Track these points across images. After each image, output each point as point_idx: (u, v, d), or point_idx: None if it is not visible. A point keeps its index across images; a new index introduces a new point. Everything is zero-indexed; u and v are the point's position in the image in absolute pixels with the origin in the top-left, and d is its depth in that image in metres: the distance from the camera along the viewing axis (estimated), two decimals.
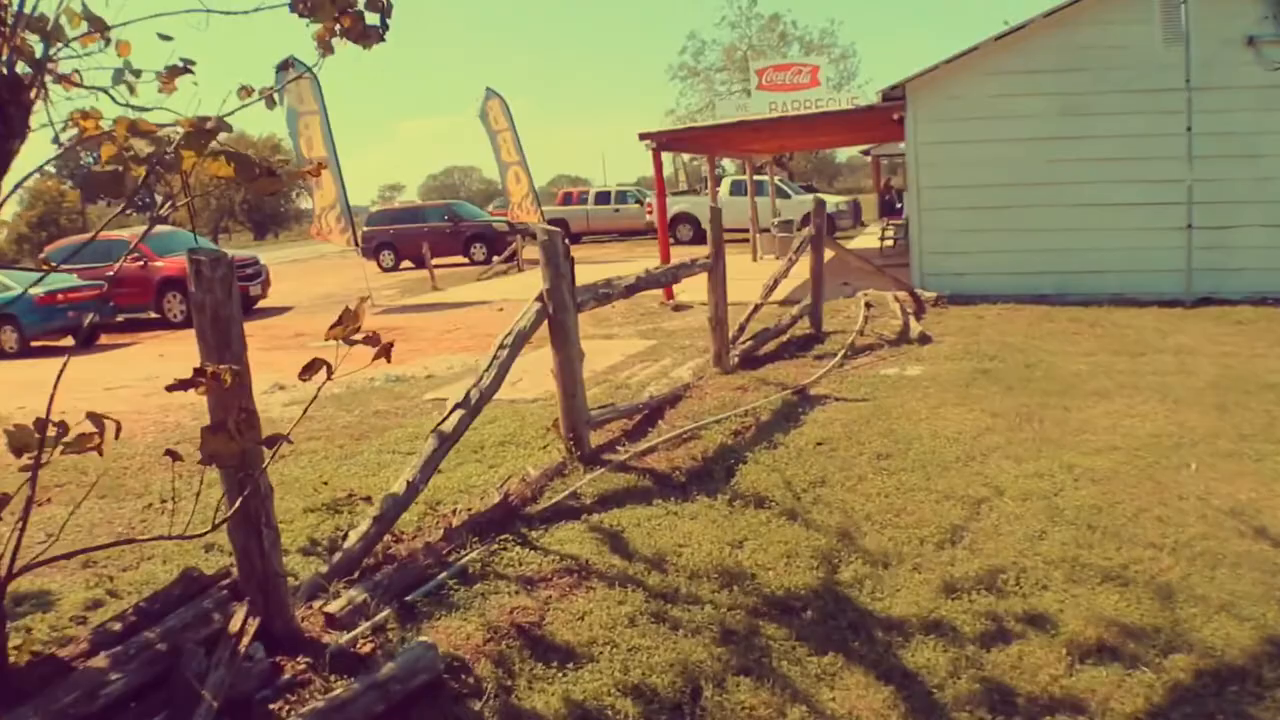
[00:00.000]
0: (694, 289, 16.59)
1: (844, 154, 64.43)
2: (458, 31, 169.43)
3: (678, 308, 14.45)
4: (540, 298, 6.18)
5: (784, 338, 10.72)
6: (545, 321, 6.17)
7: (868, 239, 27.31)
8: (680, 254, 27.49)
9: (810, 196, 32.94)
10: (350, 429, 8.21)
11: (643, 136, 14.86)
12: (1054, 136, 13.47)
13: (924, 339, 10.76)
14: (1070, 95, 13.37)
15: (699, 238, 30.13)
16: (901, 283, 13.18)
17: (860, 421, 7.46)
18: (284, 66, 18.15)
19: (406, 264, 28.47)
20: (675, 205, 31.56)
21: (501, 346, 5.73)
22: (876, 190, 40.74)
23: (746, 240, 23.41)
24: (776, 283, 10.72)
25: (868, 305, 12.76)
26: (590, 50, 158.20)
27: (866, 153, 41.93)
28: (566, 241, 6.09)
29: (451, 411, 5.17)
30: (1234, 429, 6.82)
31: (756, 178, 27.37)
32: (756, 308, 10.25)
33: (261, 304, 20.18)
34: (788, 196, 28.47)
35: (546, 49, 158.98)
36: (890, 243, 21.95)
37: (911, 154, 13.96)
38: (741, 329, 9.93)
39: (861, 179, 66.54)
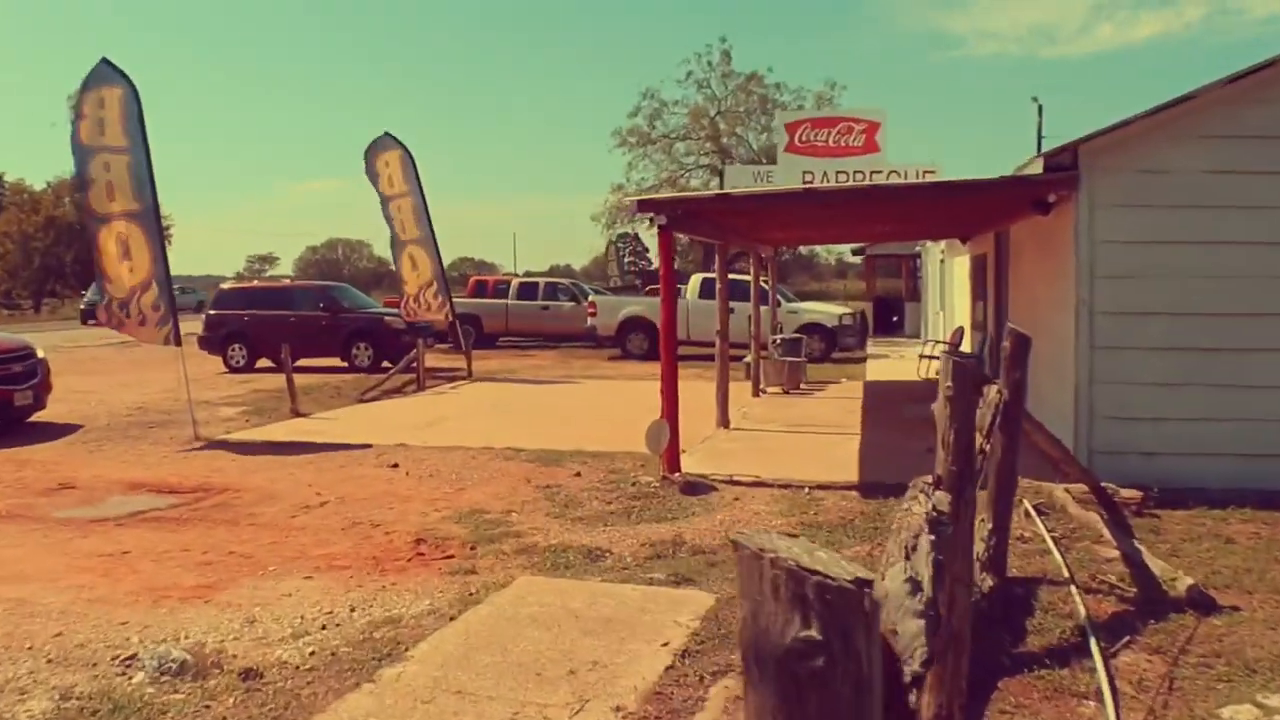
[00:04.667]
0: (694, 430, 12.27)
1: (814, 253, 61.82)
2: (353, 83, 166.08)
3: (690, 488, 10.01)
4: None
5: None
6: None
7: (889, 365, 23.40)
8: (635, 371, 23.72)
9: (816, 305, 29.17)
10: None
11: (644, 206, 10.99)
12: None
13: (1198, 600, 6.48)
14: None
15: (656, 351, 25.90)
16: (1081, 469, 8.93)
17: None
18: (88, 83, 13.81)
19: (264, 362, 23.88)
20: (624, 307, 27.52)
21: None
22: (870, 297, 37.37)
23: (740, 359, 19.30)
24: (999, 542, 6.21)
25: (1038, 511, 8.51)
26: (497, 116, 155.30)
27: (859, 252, 38.63)
28: None
29: None
30: None
31: (734, 278, 23.45)
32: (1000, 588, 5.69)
33: (38, 416, 15.30)
34: (779, 303, 24.43)
35: (446, 110, 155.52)
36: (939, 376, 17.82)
37: (1084, 257, 9.88)
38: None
39: (809, 283, 63.54)
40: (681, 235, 13.34)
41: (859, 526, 8.49)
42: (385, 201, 21.45)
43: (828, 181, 15.37)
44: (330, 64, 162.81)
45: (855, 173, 16.01)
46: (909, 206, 12.69)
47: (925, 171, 15.92)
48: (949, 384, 4.89)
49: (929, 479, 4.78)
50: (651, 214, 10.82)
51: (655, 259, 53.00)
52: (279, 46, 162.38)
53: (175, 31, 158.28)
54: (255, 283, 32.00)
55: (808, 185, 12.41)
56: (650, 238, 47.57)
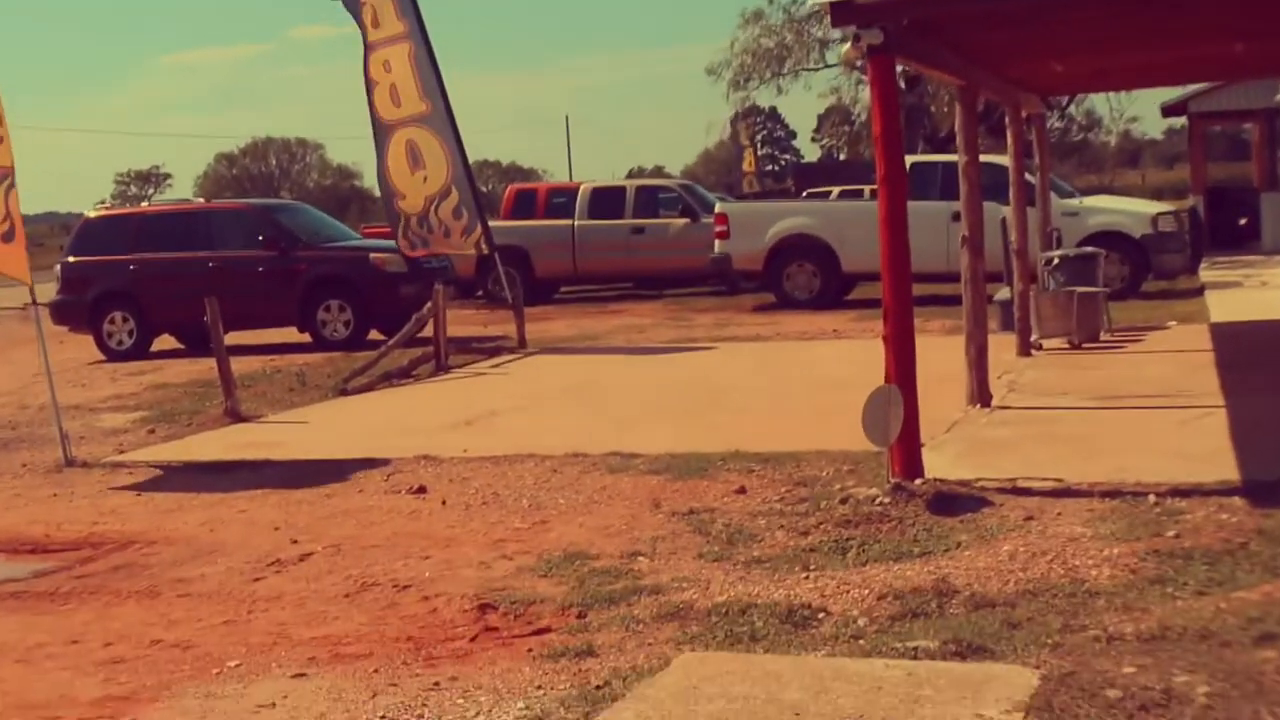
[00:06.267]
0: (932, 412, 12.45)
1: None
2: None
3: (945, 502, 9.75)
4: None
5: None
6: None
7: (1247, 297, 22.93)
8: (803, 325, 23.54)
9: (1113, 202, 28.89)
10: None
11: (842, 12, 10.76)
12: None
13: None
14: None
15: (831, 291, 26.37)
16: None
17: None
18: None
19: (166, 342, 24.44)
20: (778, 221, 27.47)
21: None
22: (1197, 188, 36.87)
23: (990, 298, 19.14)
24: None
25: None
26: None
27: (1176, 111, 38.27)
28: None
29: None
30: None
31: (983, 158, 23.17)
32: None
33: None
34: (1052, 196, 24.12)
35: None
36: None
37: None
38: None
39: (1081, 174, 63.27)
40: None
41: (1258, 554, 8.28)
42: (370, 48, 21.30)
43: None
44: None
45: None
46: None
47: None
48: None
49: None
50: (857, 27, 10.65)
51: (807, 148, 52.74)
52: None
53: None
54: (145, 207, 32.17)
55: None
56: (804, 108, 47.20)
